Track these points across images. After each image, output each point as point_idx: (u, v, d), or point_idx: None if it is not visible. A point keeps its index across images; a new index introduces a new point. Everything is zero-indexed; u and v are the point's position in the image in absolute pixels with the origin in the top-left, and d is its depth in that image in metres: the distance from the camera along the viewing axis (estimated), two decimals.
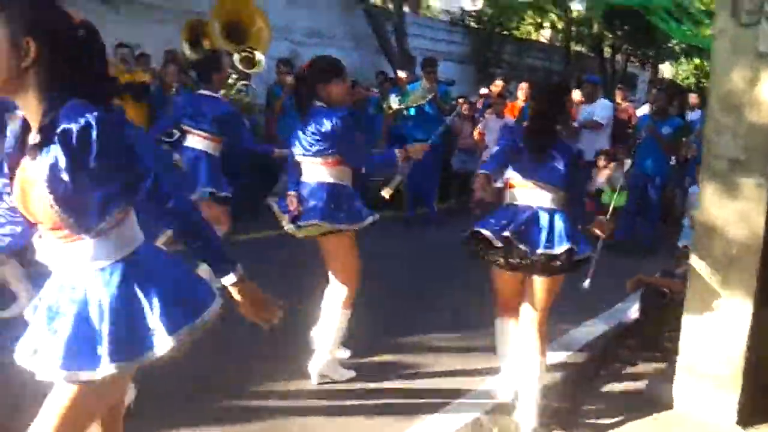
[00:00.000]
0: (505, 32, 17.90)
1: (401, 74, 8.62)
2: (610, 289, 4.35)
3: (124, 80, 6.78)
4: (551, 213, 2.99)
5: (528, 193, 3.04)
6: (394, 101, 7.90)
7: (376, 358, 3.86)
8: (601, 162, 7.90)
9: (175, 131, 6.84)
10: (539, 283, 3.03)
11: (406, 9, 15.06)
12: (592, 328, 4.61)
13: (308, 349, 3.57)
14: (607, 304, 4.99)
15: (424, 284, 5.47)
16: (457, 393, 3.47)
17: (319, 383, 3.48)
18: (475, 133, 9.03)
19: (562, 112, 3.13)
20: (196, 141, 4.64)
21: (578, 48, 20.92)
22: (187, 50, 8.64)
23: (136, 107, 7.00)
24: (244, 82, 6.92)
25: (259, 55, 6.64)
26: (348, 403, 3.35)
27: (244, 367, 3.64)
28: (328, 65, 3.39)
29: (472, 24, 17.65)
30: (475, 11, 18.13)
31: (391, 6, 13.88)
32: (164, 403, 3.05)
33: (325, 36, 13.21)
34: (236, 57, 6.57)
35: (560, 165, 2.99)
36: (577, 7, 19.11)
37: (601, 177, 7.80)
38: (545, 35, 22.44)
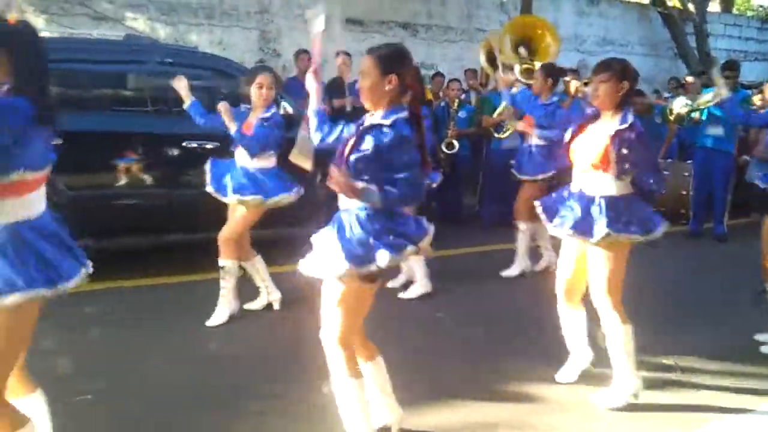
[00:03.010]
0: None
1: (689, 79, 8.22)
2: None
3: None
4: None
5: None
6: (678, 104, 7.56)
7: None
8: None
9: (455, 142, 7.41)
10: None
11: (715, 8, 14.08)
12: None
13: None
14: None
15: (685, 304, 5.16)
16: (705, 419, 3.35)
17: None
18: None
19: None
20: None
21: None
22: (485, 66, 9.18)
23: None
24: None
25: (539, 65, 6.87)
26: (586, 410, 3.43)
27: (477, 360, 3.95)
28: None
29: None
30: None
31: (691, 7, 13.09)
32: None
33: (617, 43, 12.98)
34: (517, 68, 6.88)
35: None
36: None
37: None
38: None
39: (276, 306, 4.71)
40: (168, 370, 3.72)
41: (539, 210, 3.54)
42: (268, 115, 4.34)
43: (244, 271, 4.66)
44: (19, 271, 2.11)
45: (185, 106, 4.55)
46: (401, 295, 5.13)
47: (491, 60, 8.84)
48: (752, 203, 8.18)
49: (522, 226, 5.75)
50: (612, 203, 3.24)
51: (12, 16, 2.20)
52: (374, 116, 2.69)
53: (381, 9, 10.46)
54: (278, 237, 5.56)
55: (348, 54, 8.33)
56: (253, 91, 4.35)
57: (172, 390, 3.48)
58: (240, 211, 4.40)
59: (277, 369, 3.74)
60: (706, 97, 7.26)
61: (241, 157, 4.38)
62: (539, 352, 4.00)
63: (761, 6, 18.47)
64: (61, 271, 2.21)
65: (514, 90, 4.31)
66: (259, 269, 4.64)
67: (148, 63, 5.18)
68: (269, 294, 4.71)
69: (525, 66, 6.96)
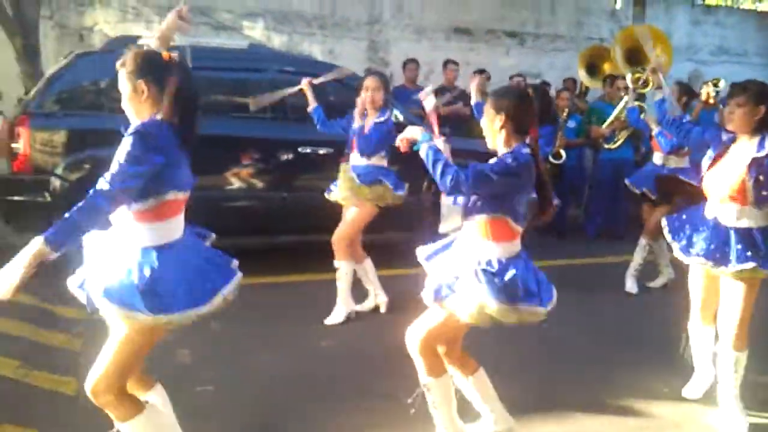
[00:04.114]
0: None
1: None
2: None
3: None
4: None
5: None
6: None
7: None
8: None
9: (563, 152, 7.32)
10: None
11: None
12: None
13: None
14: None
15: None
16: None
17: None
18: None
19: None
20: None
21: None
22: (584, 77, 9.07)
23: None
24: (638, 102, 7.07)
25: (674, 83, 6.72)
26: None
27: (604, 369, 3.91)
28: None
29: None
30: None
31: None
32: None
33: (733, 53, 12.44)
34: (629, 78, 6.75)
35: None
36: None
37: None
38: None
39: (382, 309, 4.82)
40: (281, 365, 3.90)
41: (666, 229, 3.47)
42: (382, 119, 4.46)
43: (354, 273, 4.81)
44: (172, 294, 2.25)
45: (309, 109, 4.75)
46: None
47: (591, 71, 8.71)
48: None
49: (644, 241, 5.59)
50: (748, 235, 3.14)
51: (166, 54, 2.40)
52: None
53: (489, 18, 10.47)
54: (388, 241, 5.71)
55: (456, 63, 8.41)
56: (362, 96, 4.50)
57: (285, 384, 3.66)
58: (352, 213, 4.56)
59: (383, 369, 3.84)
60: None
61: (354, 158, 4.55)
62: (647, 367, 3.96)
63: None
64: (206, 291, 2.34)
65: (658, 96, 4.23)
66: (368, 272, 4.78)
67: (269, 71, 5.44)
68: (377, 297, 4.84)
69: (637, 75, 6.82)
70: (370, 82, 4.50)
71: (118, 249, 2.34)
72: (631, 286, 5.62)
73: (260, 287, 5.31)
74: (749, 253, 3.09)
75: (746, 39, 12.62)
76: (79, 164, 5.10)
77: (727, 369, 3.27)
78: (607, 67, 8.83)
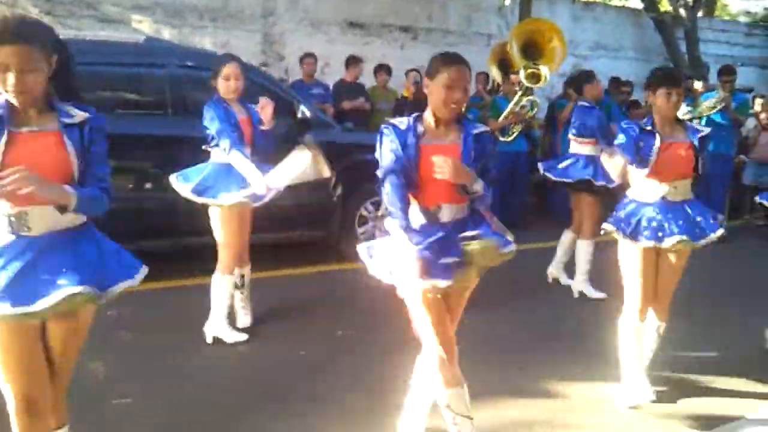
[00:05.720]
0: None
1: (696, 85, 8.31)
2: None
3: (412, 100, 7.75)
4: None
5: None
6: (680, 113, 7.70)
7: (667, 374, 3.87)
8: None
9: None
10: None
11: (699, 14, 14.29)
12: None
13: None
14: None
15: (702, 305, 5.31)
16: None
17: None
18: None
19: None
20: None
21: None
22: (495, 73, 9.20)
23: None
24: (529, 97, 7.34)
25: (544, 70, 6.94)
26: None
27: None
28: None
29: None
30: None
31: (683, 12, 13.30)
32: None
33: (610, 48, 13.16)
34: (522, 73, 6.97)
35: None
36: None
37: None
38: None
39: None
40: (199, 373, 3.79)
41: (611, 227, 3.48)
42: (246, 116, 4.04)
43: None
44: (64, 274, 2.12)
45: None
46: None
47: (503, 67, 8.88)
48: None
49: (587, 243, 5.42)
50: (693, 207, 3.44)
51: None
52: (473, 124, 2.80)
53: (383, 13, 10.54)
54: (295, 240, 5.65)
55: (314, 56, 8.31)
56: (221, 85, 3.97)
57: (204, 392, 3.55)
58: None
59: (311, 370, 3.82)
60: (708, 104, 7.42)
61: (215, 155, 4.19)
62: (562, 353, 4.13)
63: (747, 11, 18.77)
64: (108, 276, 2.26)
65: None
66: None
67: (169, 66, 5.23)
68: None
69: (530, 71, 7.03)
70: (232, 69, 3.94)
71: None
72: (565, 279, 5.65)
73: (167, 291, 5.13)
74: (696, 230, 3.35)
75: (622, 35, 13.38)
76: None
77: (653, 340, 3.55)
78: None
